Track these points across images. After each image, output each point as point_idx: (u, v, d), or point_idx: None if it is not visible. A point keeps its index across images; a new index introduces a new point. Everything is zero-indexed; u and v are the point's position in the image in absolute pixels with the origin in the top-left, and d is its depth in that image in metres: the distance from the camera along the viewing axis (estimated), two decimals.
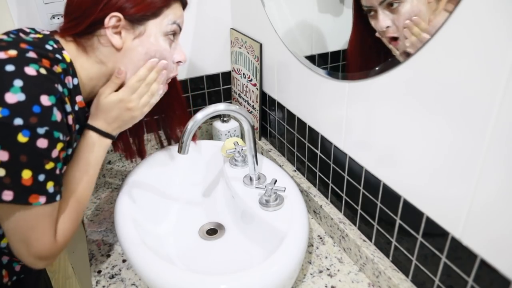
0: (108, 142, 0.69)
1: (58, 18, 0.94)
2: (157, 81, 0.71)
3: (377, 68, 0.62)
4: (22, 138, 0.52)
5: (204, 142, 1.02)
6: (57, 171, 0.57)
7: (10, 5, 0.90)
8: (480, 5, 0.44)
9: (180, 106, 0.87)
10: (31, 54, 0.55)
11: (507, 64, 0.42)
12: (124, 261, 0.81)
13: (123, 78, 0.68)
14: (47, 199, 0.56)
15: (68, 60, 0.62)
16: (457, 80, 0.49)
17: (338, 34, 0.74)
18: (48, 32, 0.65)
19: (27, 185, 0.53)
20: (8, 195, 0.53)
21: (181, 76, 1.15)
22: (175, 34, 0.71)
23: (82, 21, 0.64)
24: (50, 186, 0.56)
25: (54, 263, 1.38)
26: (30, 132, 0.52)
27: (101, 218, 0.93)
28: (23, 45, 0.56)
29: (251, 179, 0.85)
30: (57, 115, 0.55)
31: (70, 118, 0.60)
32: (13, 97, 0.51)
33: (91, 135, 0.67)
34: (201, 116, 0.72)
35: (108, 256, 0.82)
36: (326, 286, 0.73)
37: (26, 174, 0.53)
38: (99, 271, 0.78)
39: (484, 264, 0.51)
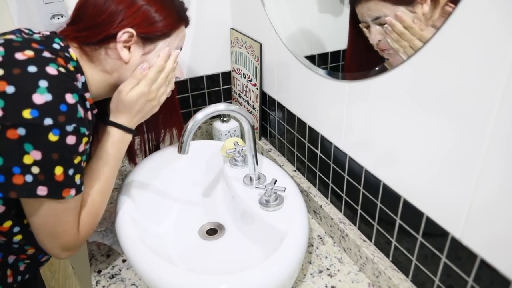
0: (130, 137, 0.73)
1: (58, 18, 0.94)
2: (172, 70, 0.74)
3: (377, 68, 0.62)
4: (53, 137, 0.54)
5: (204, 142, 1.02)
6: (82, 164, 0.60)
7: (10, 5, 0.90)
8: (480, 6, 0.44)
9: (175, 109, 0.89)
10: (47, 54, 0.57)
11: (507, 64, 0.42)
12: (124, 261, 0.81)
13: (146, 73, 0.70)
14: (76, 191, 0.59)
15: (74, 58, 0.63)
16: (457, 80, 0.49)
17: (338, 34, 0.74)
18: (48, 33, 0.66)
19: (60, 181, 0.56)
20: (42, 190, 0.55)
21: None
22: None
23: (95, 34, 0.65)
24: (77, 179, 0.59)
25: (54, 263, 1.39)
26: (60, 131, 0.54)
27: (101, 218, 0.93)
28: (35, 45, 0.57)
29: (251, 179, 0.85)
30: (81, 112, 0.57)
31: (89, 114, 0.62)
32: (41, 97, 0.53)
33: (115, 133, 0.70)
34: (201, 116, 0.72)
35: (108, 256, 0.82)
36: (326, 286, 0.73)
37: (58, 170, 0.56)
38: (99, 271, 0.78)
39: (484, 264, 0.51)
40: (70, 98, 0.55)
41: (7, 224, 0.61)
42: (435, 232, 0.58)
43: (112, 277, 0.77)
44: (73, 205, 0.61)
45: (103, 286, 0.75)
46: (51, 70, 0.55)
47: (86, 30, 0.65)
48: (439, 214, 0.57)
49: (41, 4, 0.91)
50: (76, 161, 0.58)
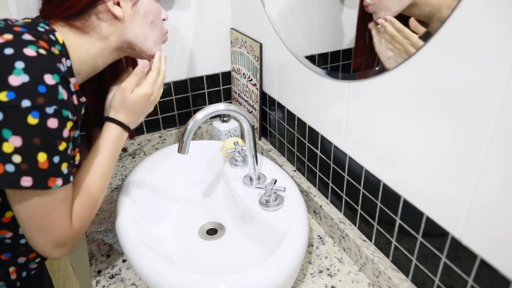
0: (126, 135, 0.72)
1: None
2: (164, 71, 0.75)
3: (377, 68, 0.62)
4: (32, 120, 0.51)
5: (204, 142, 1.02)
6: (69, 151, 0.57)
7: (10, 5, 0.90)
8: (480, 5, 0.44)
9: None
10: (27, 36, 0.55)
11: (507, 64, 0.42)
12: (124, 261, 0.81)
13: (147, 69, 0.71)
14: (63, 181, 0.56)
15: (61, 41, 0.61)
16: (457, 80, 0.49)
17: (338, 34, 0.74)
18: (34, 17, 0.64)
19: (44, 169, 0.53)
20: (27, 181, 0.52)
21: (181, 76, 1.15)
22: None
23: (77, 1, 0.62)
24: (64, 168, 0.56)
25: (54, 263, 1.38)
26: (40, 113, 0.51)
27: (101, 218, 0.93)
28: (16, 29, 0.56)
29: (251, 179, 0.85)
30: (63, 94, 0.55)
31: (74, 98, 0.60)
32: (17, 79, 0.51)
33: (115, 129, 0.70)
34: (201, 116, 0.72)
35: (108, 256, 0.82)
36: (326, 286, 0.73)
37: (42, 157, 0.53)
38: (99, 271, 0.78)
39: (484, 264, 0.51)
40: (50, 79, 0.53)
41: (9, 214, 0.60)
42: (435, 232, 0.58)
43: (112, 277, 0.77)
44: (61, 197, 0.57)
45: (103, 286, 0.75)
46: (29, 51, 0.53)
47: (65, 2, 0.62)
48: (439, 214, 0.57)
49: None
50: (61, 147, 0.55)
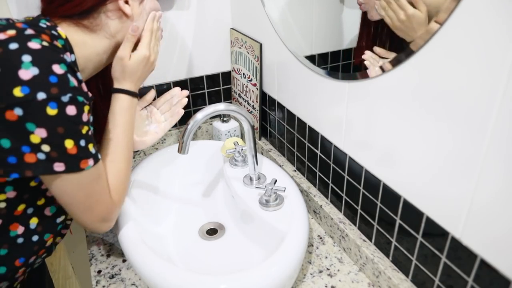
0: (136, 100, 0.73)
1: None
2: (159, 28, 0.75)
3: (377, 68, 0.62)
4: (51, 111, 0.53)
5: (204, 142, 1.02)
6: (90, 133, 0.59)
7: (10, 5, 0.90)
8: (480, 6, 0.44)
9: None
10: (30, 31, 0.55)
11: (507, 64, 0.42)
12: (124, 261, 0.81)
13: (138, 33, 0.71)
14: (94, 161, 0.59)
15: (63, 36, 0.61)
16: (457, 81, 0.49)
17: (338, 34, 0.74)
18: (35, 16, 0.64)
19: (74, 154, 0.56)
20: (59, 166, 0.55)
21: (181, 76, 1.15)
22: None
23: (84, 0, 0.63)
24: (91, 148, 0.59)
25: (54, 262, 1.39)
26: (57, 103, 0.53)
27: None
28: (19, 25, 0.56)
29: (251, 179, 0.85)
30: (73, 81, 0.56)
31: (83, 86, 0.60)
32: (27, 72, 0.51)
33: (124, 99, 0.71)
34: (201, 116, 0.72)
35: (108, 256, 0.82)
36: (326, 286, 0.73)
37: (69, 144, 0.55)
38: (99, 271, 0.78)
39: (484, 264, 0.51)
40: (58, 69, 0.54)
41: (21, 207, 0.61)
42: (435, 232, 0.58)
43: (112, 277, 0.77)
44: (97, 175, 0.61)
45: (103, 286, 0.75)
46: (34, 45, 0.53)
47: (70, 1, 0.62)
48: (439, 214, 0.57)
49: None
50: (83, 131, 0.57)
